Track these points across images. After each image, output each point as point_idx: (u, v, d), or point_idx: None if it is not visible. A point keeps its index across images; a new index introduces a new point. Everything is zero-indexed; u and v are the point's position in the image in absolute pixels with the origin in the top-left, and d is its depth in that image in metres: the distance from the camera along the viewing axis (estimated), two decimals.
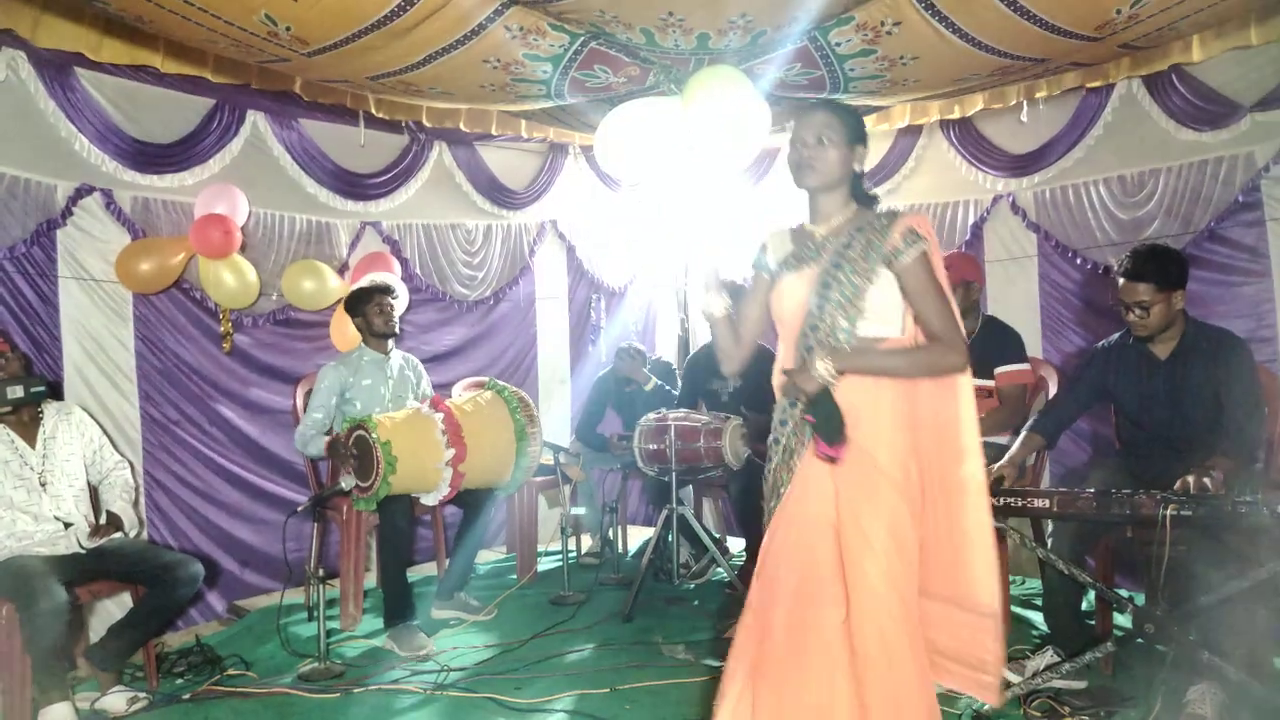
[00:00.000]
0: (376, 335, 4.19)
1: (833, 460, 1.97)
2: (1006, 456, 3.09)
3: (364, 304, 4.17)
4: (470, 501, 4.04)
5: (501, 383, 4.22)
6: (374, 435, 3.56)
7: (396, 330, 4.25)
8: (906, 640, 1.90)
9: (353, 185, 4.82)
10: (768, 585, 2.00)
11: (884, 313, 2.03)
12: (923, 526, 2.02)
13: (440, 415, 3.79)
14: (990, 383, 3.77)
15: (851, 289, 2.00)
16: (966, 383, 2.04)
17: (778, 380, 2.12)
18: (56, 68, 3.77)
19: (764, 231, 2.28)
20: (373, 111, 4.52)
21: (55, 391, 3.67)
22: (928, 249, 2.01)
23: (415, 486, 3.77)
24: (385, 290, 4.21)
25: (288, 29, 3.14)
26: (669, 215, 5.72)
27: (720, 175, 5.74)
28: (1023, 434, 3.22)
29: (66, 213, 3.85)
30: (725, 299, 2.21)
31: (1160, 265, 2.93)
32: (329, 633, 3.48)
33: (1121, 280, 2.99)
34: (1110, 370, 3.18)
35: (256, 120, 4.45)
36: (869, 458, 1.95)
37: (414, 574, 4.20)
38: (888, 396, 2.01)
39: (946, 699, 2.92)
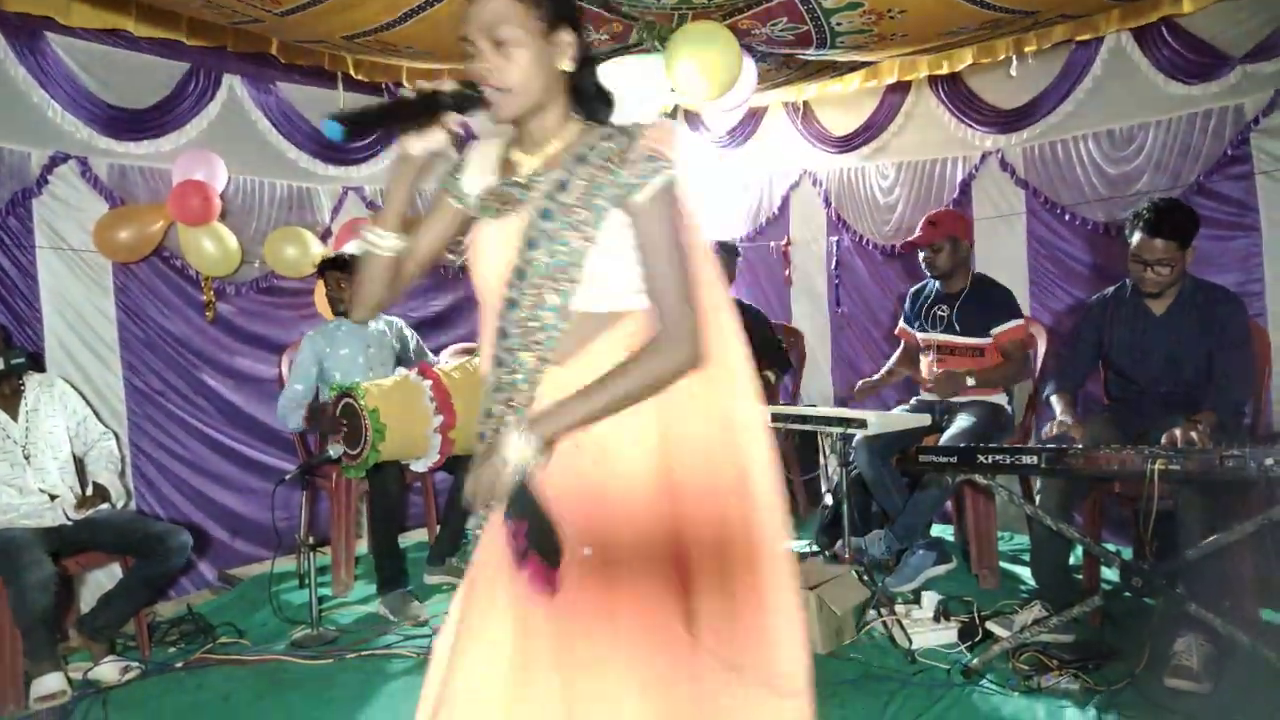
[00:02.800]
0: (333, 310, 4.15)
1: (551, 591, 1.37)
2: (1066, 418, 3.10)
3: (325, 274, 4.10)
4: (460, 467, 4.03)
5: None
6: (362, 403, 3.53)
7: (343, 305, 4.12)
8: None
9: (333, 149, 4.73)
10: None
11: (619, 278, 1.42)
12: (695, 586, 1.42)
13: (429, 382, 3.76)
14: (981, 341, 3.77)
15: (565, 251, 1.39)
16: (745, 376, 1.46)
17: (484, 367, 1.53)
18: (26, 33, 3.68)
19: (474, 143, 1.61)
20: (351, 74, 4.44)
21: (36, 363, 3.62)
22: (674, 180, 1.39)
23: (405, 453, 3.75)
24: (334, 264, 4.07)
25: None
26: (667, 142, 5.65)
27: (705, 134, 5.69)
28: (1054, 398, 3.24)
29: (42, 181, 3.78)
30: (397, 240, 1.53)
31: (1181, 221, 2.92)
32: (321, 600, 3.49)
33: (1138, 236, 2.96)
34: (1105, 323, 3.18)
35: (233, 84, 4.36)
36: (587, 478, 1.40)
37: (405, 540, 4.20)
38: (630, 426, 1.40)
39: (936, 653, 2.96)
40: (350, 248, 1.28)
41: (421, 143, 1.47)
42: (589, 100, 1.50)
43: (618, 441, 1.41)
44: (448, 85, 1.43)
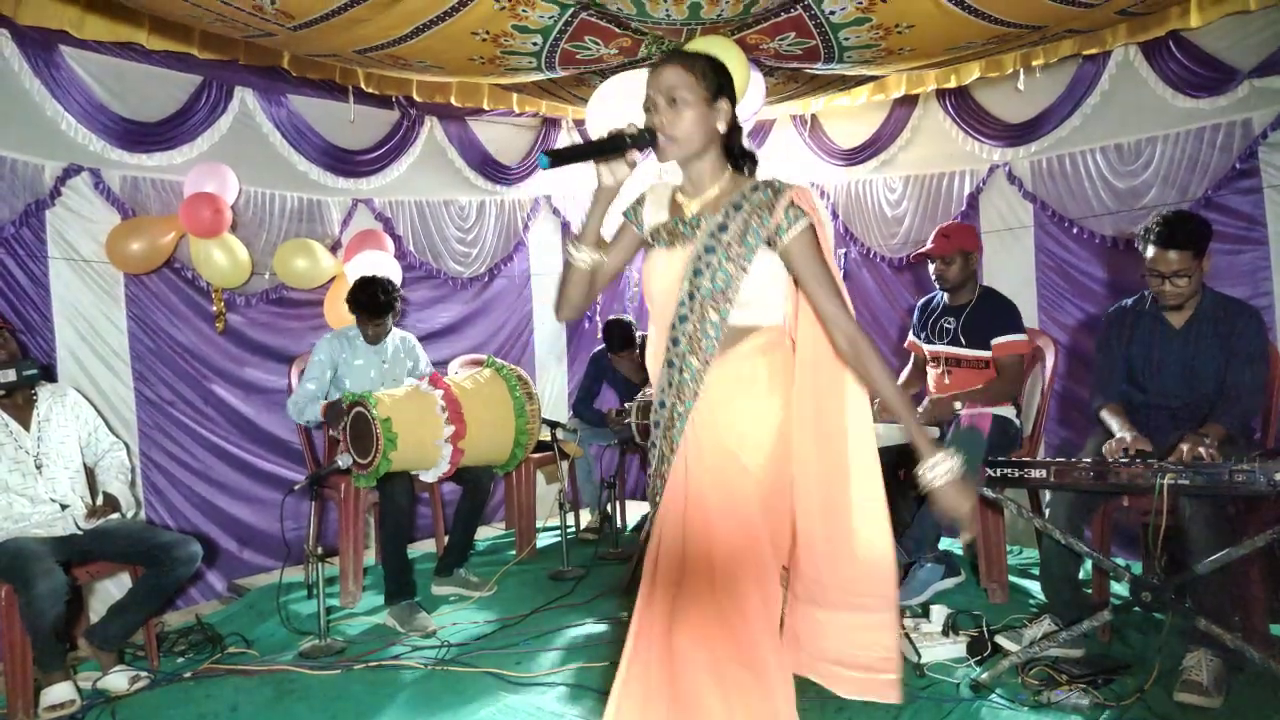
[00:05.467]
0: (365, 339, 4.17)
1: None
2: (1127, 434, 2.90)
3: (355, 312, 4.05)
4: (469, 478, 4.04)
5: (500, 360, 4.21)
6: (374, 412, 3.55)
7: (384, 338, 4.17)
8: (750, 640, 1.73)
9: (343, 162, 4.77)
10: (647, 603, 1.83)
11: (760, 300, 1.85)
12: (807, 524, 1.90)
13: (440, 393, 3.78)
14: (987, 354, 3.76)
15: (724, 278, 1.81)
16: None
17: (652, 365, 1.95)
18: (40, 46, 3.72)
19: (649, 183, 2.06)
20: (362, 86, 4.48)
21: (48, 374, 3.65)
22: (813, 223, 1.82)
23: (415, 464, 3.76)
24: (376, 312, 4.04)
25: (272, 2, 3.09)
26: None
27: None
28: (1105, 413, 3.10)
29: (55, 193, 3.81)
30: (594, 255, 1.93)
31: (1194, 231, 2.90)
32: (329, 610, 3.49)
33: (1152, 249, 2.94)
34: (1125, 334, 3.16)
35: (245, 97, 4.40)
36: (731, 456, 1.82)
37: (413, 550, 4.20)
38: (763, 378, 1.85)
39: (945, 667, 2.95)
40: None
41: (613, 175, 1.85)
42: (736, 157, 1.92)
43: (748, 416, 1.84)
44: (630, 126, 1.82)
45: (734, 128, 1.90)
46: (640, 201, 2.01)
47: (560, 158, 1.79)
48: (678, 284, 1.86)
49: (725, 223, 1.82)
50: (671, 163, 1.89)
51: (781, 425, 1.86)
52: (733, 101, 1.88)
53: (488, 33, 3.59)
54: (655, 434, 1.93)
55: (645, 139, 1.83)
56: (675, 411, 1.88)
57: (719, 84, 1.85)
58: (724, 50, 3.66)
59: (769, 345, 1.87)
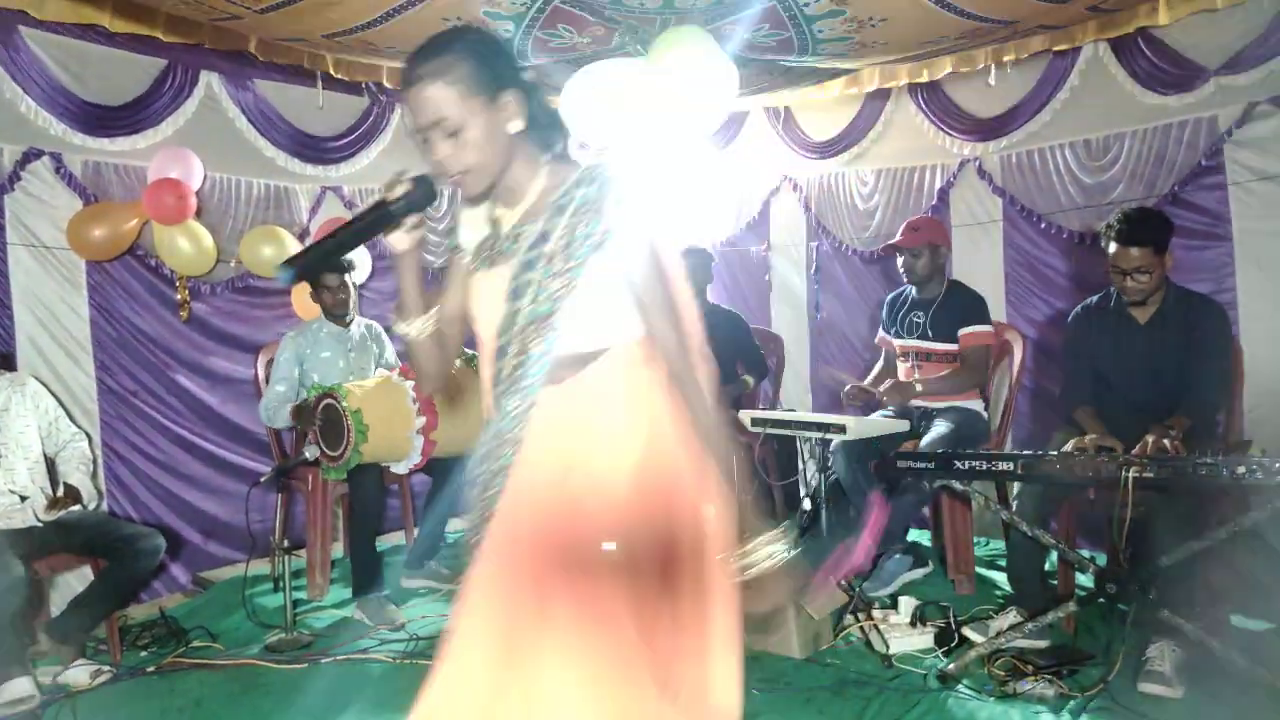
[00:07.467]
0: (327, 315, 4.12)
1: None
2: (1098, 435, 2.93)
3: (313, 287, 4.04)
4: (440, 469, 4.01)
5: (471, 351, 4.16)
6: (344, 404, 3.51)
7: (348, 311, 4.12)
8: None
9: (312, 148, 4.70)
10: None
11: (598, 319, 1.47)
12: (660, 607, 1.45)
13: (411, 383, 3.74)
14: (955, 346, 3.79)
15: (547, 300, 1.44)
16: (709, 391, 1.55)
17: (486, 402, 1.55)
18: None
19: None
20: (331, 72, 4.41)
21: (7, 362, 3.57)
22: (646, 221, 1.48)
23: (386, 455, 3.73)
24: (335, 268, 4.01)
25: None
26: (637, 180, 5.65)
27: (688, 138, 5.69)
28: (1078, 415, 3.14)
29: (14, 177, 3.72)
30: (427, 320, 1.60)
31: (1155, 227, 2.94)
32: (296, 603, 3.46)
33: (1114, 246, 2.98)
34: (1090, 331, 3.20)
35: (210, 81, 4.31)
36: (582, 515, 1.43)
37: (382, 543, 4.17)
38: (618, 412, 1.48)
39: (912, 658, 2.97)
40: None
41: (406, 237, 1.52)
42: (542, 130, 1.52)
43: (599, 460, 1.46)
44: (396, 190, 1.45)
45: (530, 108, 1.49)
46: (455, 224, 1.66)
47: (308, 263, 1.47)
48: (499, 309, 1.50)
49: (547, 230, 1.46)
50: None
51: (642, 464, 1.45)
52: (518, 85, 1.47)
53: (459, 18, 3.55)
54: (473, 494, 1.54)
55: (421, 197, 1.45)
56: (491, 468, 1.51)
57: (492, 73, 1.43)
58: (698, 41, 3.66)
59: (625, 366, 1.49)
